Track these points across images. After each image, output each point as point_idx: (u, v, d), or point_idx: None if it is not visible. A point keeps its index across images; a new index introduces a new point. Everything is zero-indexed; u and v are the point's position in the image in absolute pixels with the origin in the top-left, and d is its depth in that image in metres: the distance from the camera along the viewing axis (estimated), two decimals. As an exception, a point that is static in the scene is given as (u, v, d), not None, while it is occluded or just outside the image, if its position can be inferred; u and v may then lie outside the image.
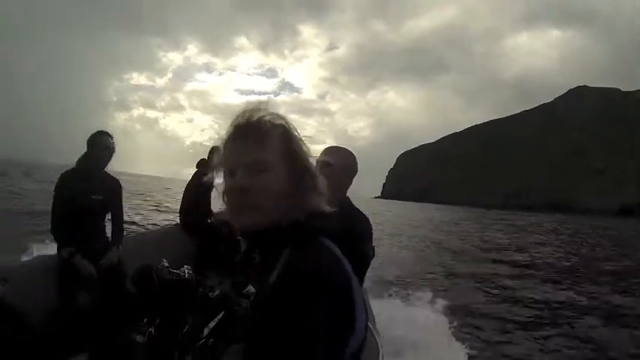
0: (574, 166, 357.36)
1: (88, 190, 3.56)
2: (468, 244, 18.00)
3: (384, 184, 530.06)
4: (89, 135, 3.63)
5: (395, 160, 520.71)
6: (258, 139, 1.04)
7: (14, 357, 2.69)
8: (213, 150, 6.00)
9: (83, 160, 3.62)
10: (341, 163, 2.45)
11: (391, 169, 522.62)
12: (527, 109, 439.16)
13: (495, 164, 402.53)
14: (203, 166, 5.55)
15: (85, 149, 3.61)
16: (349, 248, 2.17)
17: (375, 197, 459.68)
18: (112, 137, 3.63)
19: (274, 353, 0.85)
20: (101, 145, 3.59)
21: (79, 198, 3.51)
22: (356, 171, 2.55)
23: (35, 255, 4.91)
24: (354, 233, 2.24)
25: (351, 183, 2.55)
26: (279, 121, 1.07)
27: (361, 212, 2.54)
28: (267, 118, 1.06)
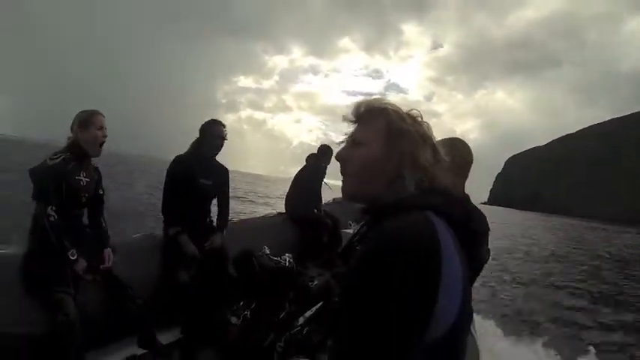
0: None
1: (198, 173, 3.77)
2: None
3: (490, 189, 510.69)
4: (196, 132, 3.87)
5: (503, 164, 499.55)
6: (360, 120, 1.18)
7: (113, 322, 2.92)
8: (322, 147, 6.11)
9: (196, 145, 3.85)
10: (456, 154, 2.28)
11: (499, 173, 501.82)
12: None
13: (617, 169, 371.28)
14: (313, 159, 5.82)
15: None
16: (464, 249, 2.14)
17: (482, 203, 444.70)
18: (224, 126, 3.83)
19: (346, 325, 0.93)
20: (214, 133, 3.79)
21: (188, 180, 3.73)
22: (471, 162, 2.46)
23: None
24: (470, 233, 2.19)
25: (466, 175, 2.46)
26: (382, 105, 1.17)
27: (479, 210, 2.43)
28: (373, 102, 1.18)
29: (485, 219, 2.43)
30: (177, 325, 3.44)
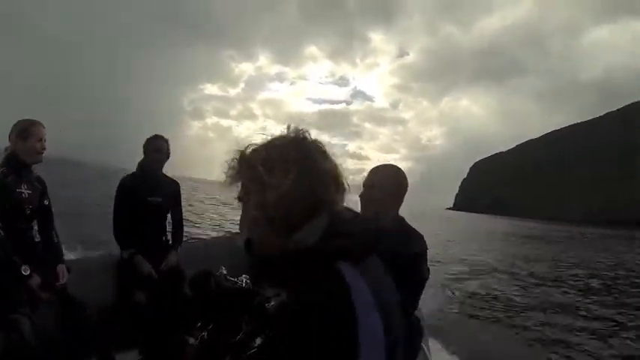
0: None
1: (146, 192, 3.71)
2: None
3: (456, 195, 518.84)
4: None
5: (468, 170, 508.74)
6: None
7: (70, 342, 2.84)
8: None
9: (141, 163, 3.80)
10: (384, 182, 2.48)
11: (464, 179, 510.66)
12: (613, 110, 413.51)
13: (577, 173, 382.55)
14: None
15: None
16: (402, 269, 2.17)
17: (447, 208, 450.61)
18: (166, 141, 3.78)
19: None
20: (153, 148, 3.74)
21: (136, 200, 3.68)
22: (405, 187, 2.54)
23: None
24: (408, 254, 2.27)
25: (401, 201, 2.54)
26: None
27: (415, 231, 2.51)
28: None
29: (423, 239, 2.47)
30: (135, 346, 3.38)
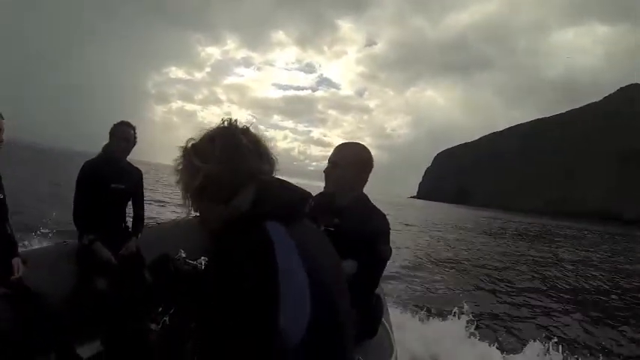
0: (624, 172, 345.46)
1: (109, 178, 3.71)
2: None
3: (420, 183, 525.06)
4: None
5: (432, 159, 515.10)
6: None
7: (28, 338, 2.82)
8: None
9: (106, 149, 3.78)
10: (348, 160, 2.52)
11: (428, 168, 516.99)
12: (575, 107, 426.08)
13: (539, 167, 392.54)
14: None
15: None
16: (363, 248, 2.25)
17: (411, 197, 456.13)
18: (133, 128, 3.76)
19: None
20: (120, 135, 3.73)
21: (99, 186, 3.66)
22: (369, 166, 2.59)
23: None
24: (368, 232, 2.36)
25: (365, 179, 2.59)
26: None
27: (378, 210, 2.55)
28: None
29: (385, 218, 2.53)
30: (97, 336, 3.37)
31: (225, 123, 1.24)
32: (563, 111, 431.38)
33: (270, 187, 1.21)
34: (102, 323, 3.37)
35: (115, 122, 3.73)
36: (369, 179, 2.62)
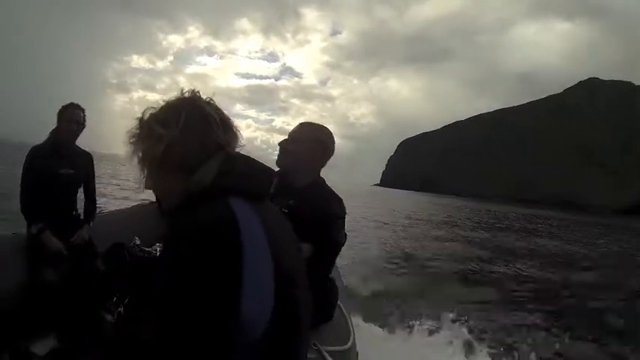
0: (582, 161, 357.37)
1: (57, 164, 3.56)
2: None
3: (383, 171, 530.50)
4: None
5: (395, 148, 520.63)
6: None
7: None
8: None
9: (53, 133, 3.63)
10: (310, 138, 2.48)
11: (391, 156, 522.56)
12: (534, 99, 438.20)
13: (500, 155, 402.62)
14: None
15: None
16: (318, 231, 2.23)
17: (374, 185, 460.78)
18: (82, 110, 3.62)
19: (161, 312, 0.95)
20: (69, 117, 3.57)
21: (47, 172, 3.51)
22: (330, 150, 2.55)
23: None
24: (324, 216, 2.35)
25: (323, 163, 2.56)
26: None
27: (335, 194, 2.53)
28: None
29: (342, 203, 2.51)
30: (52, 331, 3.25)
31: (187, 93, 1.17)
32: (525, 102, 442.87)
33: (235, 161, 1.14)
34: (55, 317, 3.26)
35: (60, 109, 3.58)
36: (332, 167, 2.60)
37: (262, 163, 1.21)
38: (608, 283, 11.66)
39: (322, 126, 2.55)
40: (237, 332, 0.94)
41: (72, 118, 3.57)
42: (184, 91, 1.17)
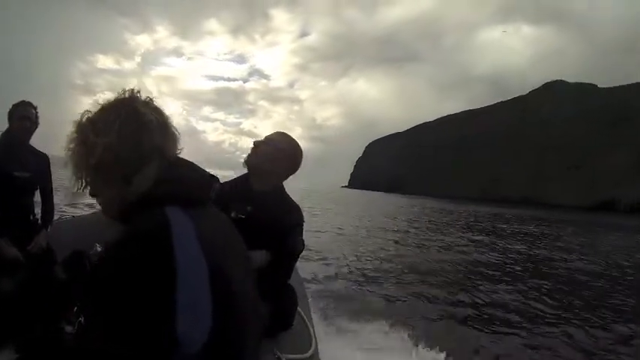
0: (549, 160, 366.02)
1: (11, 165, 3.41)
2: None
3: (351, 173, 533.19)
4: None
5: (364, 149, 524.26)
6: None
7: None
8: None
9: (5, 135, 3.50)
10: (283, 146, 2.54)
11: (359, 158, 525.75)
12: (501, 100, 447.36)
13: (468, 156, 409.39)
14: None
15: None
16: (276, 239, 2.33)
17: (343, 187, 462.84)
18: (34, 107, 3.51)
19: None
20: (20, 115, 3.45)
21: (0, 175, 3.37)
22: (297, 164, 2.60)
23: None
24: (282, 223, 2.42)
25: (287, 175, 2.61)
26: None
27: (293, 202, 2.58)
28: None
29: (300, 211, 2.56)
30: (10, 343, 3.11)
31: (127, 94, 1.14)
32: (492, 103, 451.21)
33: (173, 166, 1.13)
34: (12, 329, 3.12)
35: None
36: (299, 170, 2.63)
37: (202, 169, 1.21)
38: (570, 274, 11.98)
39: (297, 142, 2.59)
40: (172, 344, 0.93)
41: (24, 115, 3.45)
42: (124, 90, 1.14)
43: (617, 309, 8.73)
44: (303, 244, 2.54)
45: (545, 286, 10.31)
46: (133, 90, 1.14)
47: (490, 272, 11.51)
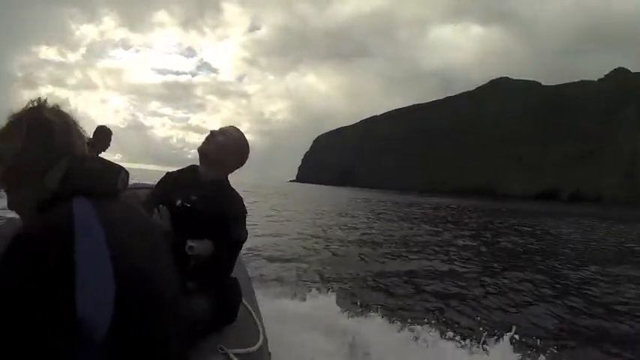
0: (495, 153, 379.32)
1: None
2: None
3: (299, 167, 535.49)
4: None
5: (311, 143, 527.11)
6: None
7: None
8: (97, 131, 5.44)
9: None
10: (235, 138, 2.62)
11: (307, 152, 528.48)
12: (449, 95, 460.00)
13: (417, 149, 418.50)
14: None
15: None
16: (219, 229, 2.40)
17: (290, 181, 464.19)
18: None
19: None
20: None
21: None
22: (245, 157, 2.70)
23: None
24: (225, 214, 2.47)
25: (233, 167, 2.68)
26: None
27: (236, 193, 2.64)
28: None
29: (242, 202, 2.62)
30: None
31: (35, 103, 1.22)
32: (441, 98, 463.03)
33: (80, 162, 1.19)
34: None
35: None
36: (247, 165, 2.73)
37: (110, 162, 1.27)
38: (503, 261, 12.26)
39: (241, 136, 2.68)
40: (74, 329, 0.95)
41: None
42: (32, 100, 1.22)
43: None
44: (246, 235, 2.58)
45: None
46: (40, 99, 1.22)
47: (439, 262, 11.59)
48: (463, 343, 4.63)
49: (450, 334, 4.84)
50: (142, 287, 1.08)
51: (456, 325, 5.84)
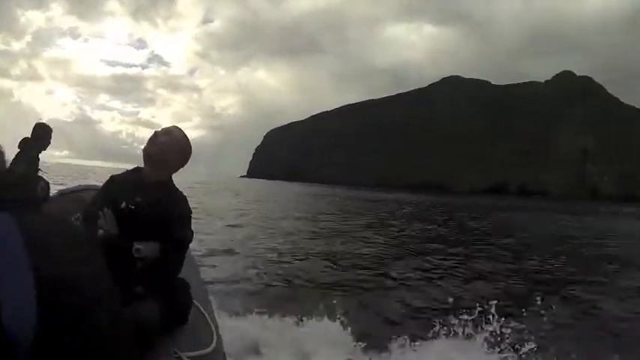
0: (446, 149, 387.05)
1: None
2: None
3: (250, 162, 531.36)
4: None
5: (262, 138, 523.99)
6: None
7: None
8: (36, 128, 5.16)
9: None
10: (179, 139, 2.66)
11: (258, 147, 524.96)
12: (402, 92, 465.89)
13: (371, 144, 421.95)
14: (25, 145, 4.69)
15: None
16: (164, 230, 2.42)
17: (241, 176, 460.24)
18: None
19: None
20: None
21: None
22: (187, 157, 2.74)
23: None
24: (169, 215, 2.49)
25: (177, 167, 2.70)
26: None
27: (181, 193, 2.66)
28: None
29: (187, 202, 2.64)
30: None
31: None
32: (393, 94, 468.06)
33: None
34: None
35: None
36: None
37: (28, 173, 1.22)
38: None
39: (184, 137, 2.73)
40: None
41: None
42: None
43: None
44: (192, 235, 2.61)
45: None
46: None
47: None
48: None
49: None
50: (67, 296, 1.05)
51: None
